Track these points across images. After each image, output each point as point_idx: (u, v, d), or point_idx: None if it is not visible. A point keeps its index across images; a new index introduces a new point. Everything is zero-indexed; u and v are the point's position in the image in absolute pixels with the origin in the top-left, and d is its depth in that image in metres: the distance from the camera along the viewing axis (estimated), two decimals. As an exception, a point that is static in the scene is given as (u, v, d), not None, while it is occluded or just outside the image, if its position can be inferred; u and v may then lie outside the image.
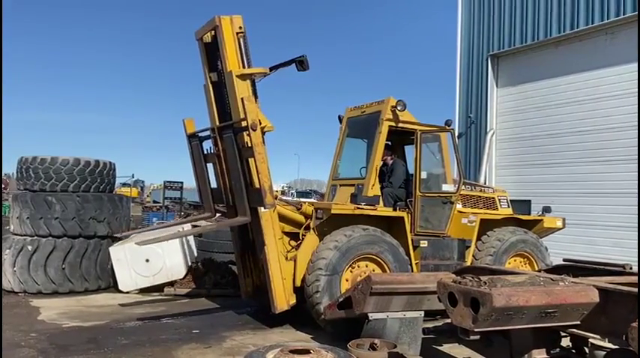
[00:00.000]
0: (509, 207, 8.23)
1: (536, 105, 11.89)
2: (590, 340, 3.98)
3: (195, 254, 9.55)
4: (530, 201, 10.40)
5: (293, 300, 6.23)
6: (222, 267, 8.92)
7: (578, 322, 3.66)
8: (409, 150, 8.04)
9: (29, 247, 8.08)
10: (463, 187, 7.58)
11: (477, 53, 13.01)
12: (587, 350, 4.14)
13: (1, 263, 8.06)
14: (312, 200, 18.14)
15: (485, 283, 3.38)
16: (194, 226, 8.62)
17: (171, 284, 8.43)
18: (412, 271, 6.58)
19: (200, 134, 6.87)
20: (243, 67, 6.27)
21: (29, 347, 5.33)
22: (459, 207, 7.49)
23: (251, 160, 6.01)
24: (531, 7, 11.71)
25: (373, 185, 6.99)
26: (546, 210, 8.32)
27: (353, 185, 7.09)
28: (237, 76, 6.16)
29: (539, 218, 8.12)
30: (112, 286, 8.53)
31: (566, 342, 4.40)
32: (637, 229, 9.10)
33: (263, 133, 6.00)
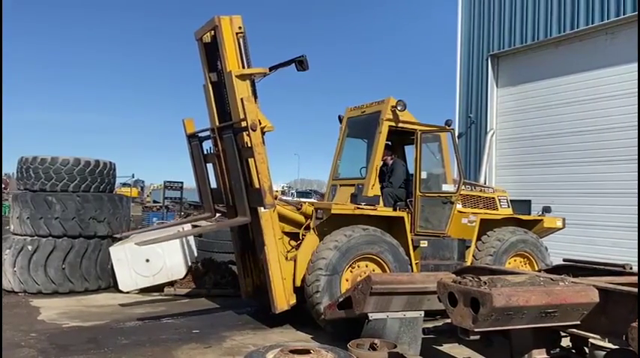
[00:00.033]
0: (509, 207, 8.23)
1: (536, 105, 11.88)
2: (590, 340, 3.98)
3: (196, 254, 9.56)
4: (530, 201, 10.40)
5: (293, 300, 6.24)
6: (222, 266, 8.92)
7: (578, 322, 3.66)
8: (409, 150, 8.04)
9: (29, 247, 8.08)
10: (463, 187, 7.58)
11: (477, 53, 13.01)
12: (587, 350, 4.14)
13: (1, 263, 8.06)
14: (312, 200, 18.14)
15: (485, 283, 3.38)
16: (194, 226, 8.62)
17: (171, 284, 8.44)
18: (412, 271, 6.58)
19: (200, 134, 6.87)
20: (243, 67, 6.27)
21: (29, 347, 5.34)
22: (459, 207, 7.49)
23: (251, 160, 6.01)
24: (531, 7, 11.71)
25: (373, 185, 6.99)
26: (546, 210, 8.31)
27: (353, 185, 7.09)
28: (236, 76, 6.16)
29: (539, 218, 8.12)
30: (112, 286, 8.53)
31: (566, 342, 4.40)
32: (637, 229, 9.10)
33: (263, 133, 6.00)
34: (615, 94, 10.39)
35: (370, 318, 4.80)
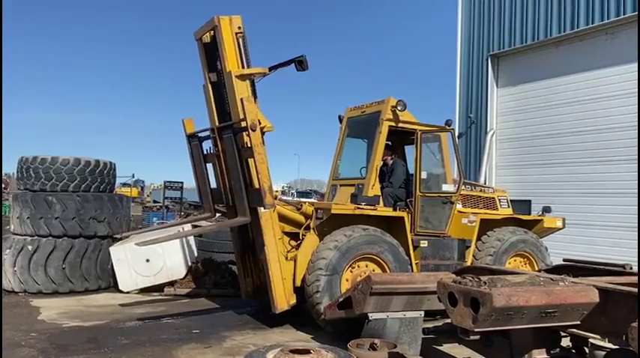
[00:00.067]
0: (509, 207, 8.23)
1: (536, 105, 11.88)
2: (590, 340, 3.98)
3: (196, 254, 9.56)
4: (530, 201, 10.39)
5: (293, 300, 6.24)
6: (222, 266, 8.92)
7: (578, 322, 3.66)
8: (409, 150, 8.05)
9: (29, 247, 8.08)
10: (463, 187, 7.58)
11: (477, 53, 13.01)
12: (587, 350, 4.14)
13: (1, 263, 8.07)
14: (312, 200, 18.14)
15: (485, 283, 3.38)
16: (194, 226, 8.62)
17: (171, 284, 8.44)
18: (412, 271, 6.58)
19: (200, 134, 6.87)
20: (243, 67, 6.26)
21: (29, 347, 5.34)
22: (459, 207, 7.49)
23: (251, 160, 6.01)
24: (531, 7, 11.71)
25: (373, 185, 6.99)
26: (546, 210, 8.31)
27: (353, 185, 7.09)
28: (236, 76, 6.15)
29: (539, 218, 8.12)
30: (112, 286, 8.54)
31: (566, 342, 4.40)
32: (637, 229, 9.10)
33: (262, 133, 6.00)
34: (615, 94, 10.39)
35: (370, 318, 4.80)
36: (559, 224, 8.20)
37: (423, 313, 4.96)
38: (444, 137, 7.58)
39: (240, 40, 6.26)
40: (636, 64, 9.65)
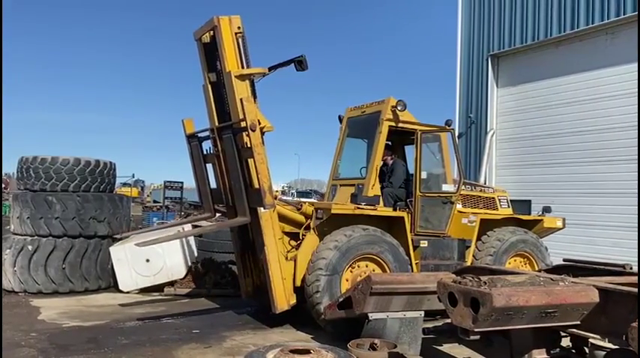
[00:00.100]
0: (509, 207, 8.23)
1: (536, 105, 11.88)
2: (590, 340, 3.98)
3: (196, 254, 9.56)
4: (530, 201, 10.39)
5: (293, 300, 6.24)
6: (222, 266, 8.92)
7: (578, 322, 3.66)
8: (409, 150, 8.05)
9: (29, 247, 8.09)
10: (463, 187, 7.58)
11: (477, 53, 13.01)
12: (587, 350, 4.14)
13: (1, 263, 8.07)
14: (312, 200, 18.14)
15: (485, 283, 3.38)
16: (194, 226, 8.62)
17: (171, 284, 8.44)
18: (412, 271, 6.58)
19: (199, 134, 6.87)
20: (242, 67, 6.26)
21: (29, 347, 5.34)
22: (459, 207, 7.49)
23: (250, 161, 6.01)
24: (531, 7, 11.71)
25: (373, 185, 6.99)
26: (546, 210, 8.31)
27: (353, 185, 7.09)
28: (236, 77, 6.15)
29: (539, 218, 8.12)
30: (113, 286, 8.54)
31: (566, 342, 4.40)
32: (637, 229, 9.10)
33: (262, 134, 6.00)
34: (615, 94, 10.39)
35: (370, 318, 4.80)
36: (559, 224, 8.20)
37: (423, 313, 4.96)
38: (444, 137, 7.58)
39: (240, 40, 6.26)
40: (636, 64, 9.65)
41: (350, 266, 6.23)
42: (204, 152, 6.88)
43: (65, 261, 8.14)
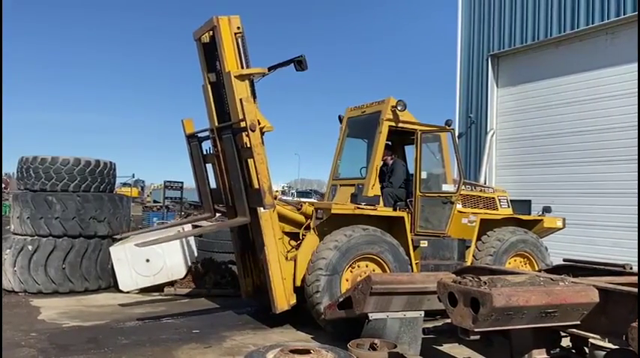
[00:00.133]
0: (509, 207, 8.23)
1: (536, 105, 11.88)
2: (590, 340, 3.98)
3: (196, 254, 9.56)
4: (530, 201, 10.39)
5: (293, 300, 6.24)
6: (222, 266, 8.92)
7: (578, 322, 3.66)
8: (409, 150, 8.05)
9: (30, 247, 8.09)
10: (463, 187, 7.58)
11: (477, 53, 13.01)
12: (587, 350, 4.14)
13: (1, 263, 8.07)
14: (312, 200, 18.15)
15: (485, 283, 3.38)
16: (194, 226, 8.62)
17: (171, 284, 8.44)
18: (412, 271, 6.58)
19: (199, 134, 6.87)
20: (242, 67, 6.26)
21: (29, 347, 5.34)
22: (459, 207, 7.49)
23: (250, 161, 6.01)
24: (532, 7, 11.71)
25: (373, 185, 6.99)
26: (546, 210, 8.31)
27: (353, 185, 7.09)
28: (235, 77, 6.15)
29: (539, 218, 8.12)
30: (113, 286, 8.54)
31: (566, 342, 4.40)
32: (637, 229, 9.10)
33: (262, 134, 6.00)
34: (615, 94, 10.39)
35: (370, 318, 4.80)
36: (559, 224, 8.20)
37: (423, 313, 4.96)
38: (444, 137, 7.58)
39: (240, 40, 6.26)
40: (636, 64, 9.65)
41: (350, 266, 6.23)
42: (204, 152, 6.88)
43: (65, 261, 8.14)
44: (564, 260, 5.99)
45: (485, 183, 11.32)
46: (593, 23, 10.55)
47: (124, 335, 5.87)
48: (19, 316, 6.70)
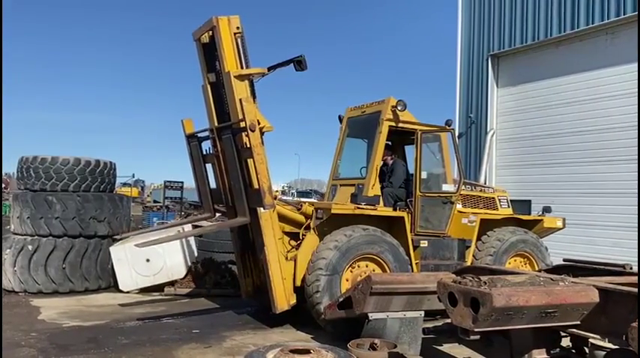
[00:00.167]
0: (509, 207, 8.23)
1: (536, 105, 11.89)
2: (590, 340, 3.98)
3: (196, 254, 9.56)
4: (530, 201, 10.40)
5: (293, 300, 6.24)
6: (222, 266, 8.92)
7: (578, 322, 3.66)
8: (409, 150, 8.05)
9: (30, 247, 8.09)
10: (463, 187, 7.58)
11: (477, 53, 13.01)
12: (587, 350, 4.14)
13: (1, 262, 8.07)
14: (312, 200, 18.14)
15: (485, 283, 3.38)
16: (194, 226, 8.62)
17: (171, 284, 8.44)
18: (412, 271, 6.58)
19: (199, 135, 6.87)
20: (241, 67, 6.26)
21: (29, 347, 5.34)
22: (459, 207, 7.49)
23: (250, 161, 6.01)
24: (532, 7, 11.71)
25: (373, 185, 6.99)
26: (546, 210, 8.32)
27: (353, 185, 7.09)
28: (235, 77, 6.15)
29: (540, 218, 8.12)
30: (113, 286, 8.54)
31: (566, 342, 4.40)
32: (637, 229, 9.10)
33: (262, 134, 5.99)
34: (615, 94, 10.39)
35: (370, 318, 4.80)
36: (559, 224, 8.20)
37: (423, 313, 4.96)
38: (444, 137, 7.59)
39: (239, 40, 6.26)
40: (636, 64, 9.65)
41: (350, 266, 6.23)
42: (204, 152, 6.88)
43: (65, 261, 8.15)
44: (564, 260, 6.00)
45: (485, 183, 11.32)
46: (593, 23, 10.55)
47: (124, 335, 5.87)
48: (19, 316, 6.70)
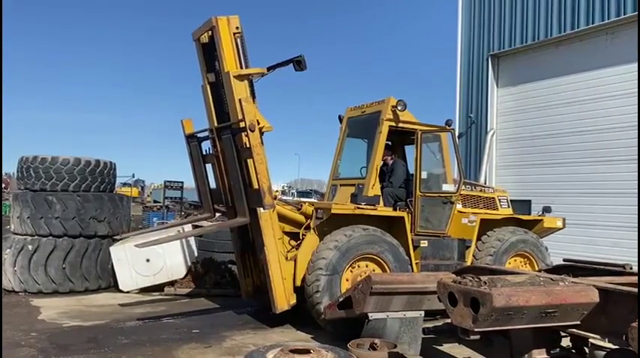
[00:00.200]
0: (509, 207, 8.23)
1: (536, 105, 11.89)
2: (590, 340, 3.98)
3: (196, 254, 9.56)
4: (530, 201, 10.40)
5: (293, 300, 6.24)
6: (222, 266, 8.92)
7: (578, 322, 3.66)
8: (409, 150, 8.05)
9: (30, 247, 8.09)
10: (463, 187, 7.58)
11: (478, 53, 13.01)
12: (587, 350, 4.14)
13: (1, 262, 8.07)
14: (312, 200, 18.14)
15: (485, 283, 3.38)
16: (195, 226, 8.62)
17: (171, 283, 8.44)
18: (412, 271, 6.58)
19: (199, 135, 6.86)
20: (241, 67, 6.26)
21: (29, 347, 5.34)
22: (459, 207, 7.49)
23: (250, 161, 6.01)
24: (532, 7, 11.71)
25: (373, 185, 6.99)
26: (546, 210, 8.32)
27: (353, 185, 7.09)
28: (234, 77, 6.15)
29: (540, 218, 8.12)
30: (113, 286, 8.54)
31: (566, 342, 4.40)
32: (637, 229, 9.10)
33: (261, 134, 5.99)
34: (615, 94, 10.39)
35: (370, 318, 4.80)
36: (559, 224, 8.20)
37: (423, 313, 4.96)
38: (444, 137, 7.59)
39: (238, 40, 6.26)
40: (636, 64, 9.65)
41: (350, 266, 6.23)
42: (204, 152, 6.88)
43: (65, 261, 8.15)
44: (564, 260, 6.00)
45: (485, 183, 11.32)
46: (593, 23, 10.55)
47: (124, 335, 5.87)
48: (19, 316, 6.70)
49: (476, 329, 3.34)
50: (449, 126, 7.44)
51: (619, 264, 5.22)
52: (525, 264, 7.67)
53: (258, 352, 3.70)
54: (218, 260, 9.15)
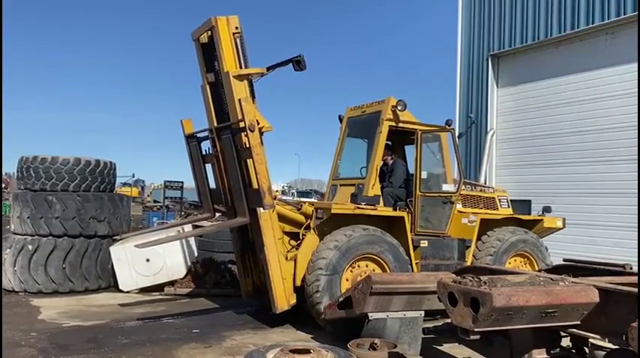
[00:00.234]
0: (509, 207, 8.23)
1: (536, 105, 11.89)
2: (590, 340, 3.98)
3: (196, 253, 9.56)
4: (530, 201, 10.40)
5: (293, 300, 6.24)
6: (222, 266, 8.92)
7: (578, 322, 3.66)
8: (409, 150, 8.05)
9: (30, 246, 8.09)
10: (463, 187, 7.58)
11: (477, 53, 13.01)
12: (587, 350, 4.14)
13: (1, 262, 8.07)
14: (312, 200, 18.14)
15: (485, 283, 3.38)
16: (195, 226, 8.62)
17: (171, 283, 8.44)
18: (412, 271, 6.58)
19: (198, 135, 6.86)
20: (240, 67, 6.26)
21: (29, 347, 5.34)
22: (459, 206, 7.49)
23: (249, 161, 6.01)
24: (532, 7, 11.71)
25: (373, 185, 6.99)
26: (546, 210, 8.32)
27: (353, 185, 7.09)
28: (234, 77, 6.14)
29: (540, 218, 8.12)
30: (113, 286, 8.54)
31: (566, 342, 4.40)
32: (637, 229, 9.10)
33: (261, 134, 5.99)
34: (615, 94, 10.39)
35: (370, 318, 4.80)
36: (559, 224, 8.20)
37: (423, 313, 4.96)
38: (444, 137, 7.59)
39: (238, 40, 6.26)
40: (636, 64, 9.65)
41: (350, 266, 6.23)
42: (204, 152, 6.88)
43: (65, 261, 8.15)
44: (564, 260, 6.00)
45: (485, 183, 11.32)
46: (593, 23, 10.55)
47: (124, 335, 5.87)
48: (19, 316, 6.70)
49: (476, 329, 3.34)
50: (449, 126, 7.44)
51: (619, 264, 5.22)
52: (525, 264, 7.67)
53: (258, 352, 3.70)
54: (218, 260, 9.15)
